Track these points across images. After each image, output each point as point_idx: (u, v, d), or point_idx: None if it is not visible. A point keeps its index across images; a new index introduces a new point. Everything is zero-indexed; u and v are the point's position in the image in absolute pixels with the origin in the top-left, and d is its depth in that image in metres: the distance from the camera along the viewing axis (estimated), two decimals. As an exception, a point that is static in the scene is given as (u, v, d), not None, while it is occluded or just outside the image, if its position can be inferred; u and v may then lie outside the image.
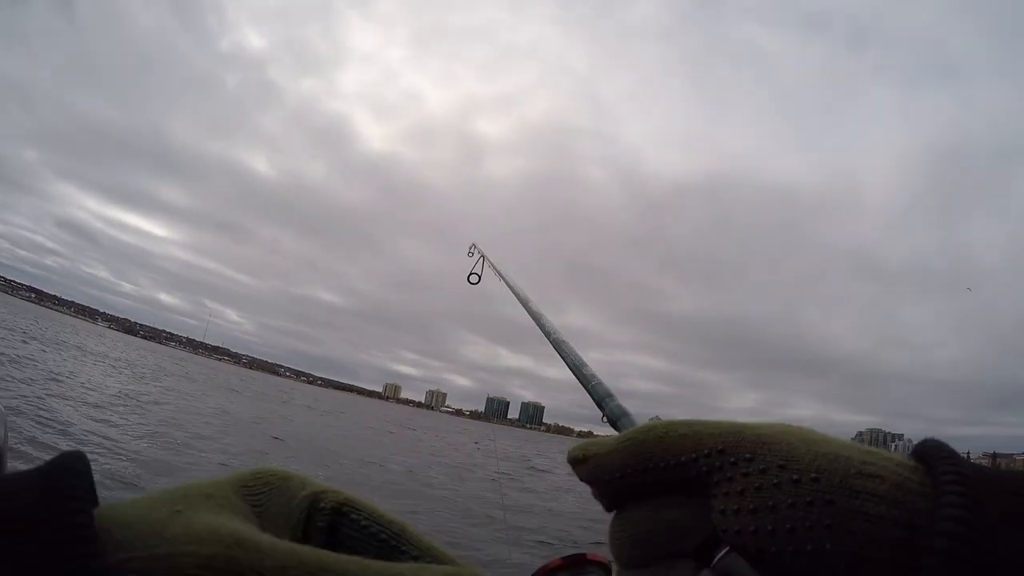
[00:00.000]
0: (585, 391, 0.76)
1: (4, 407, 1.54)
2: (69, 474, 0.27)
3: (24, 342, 23.25)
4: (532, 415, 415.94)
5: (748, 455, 0.29)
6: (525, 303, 1.14)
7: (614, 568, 0.36)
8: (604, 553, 0.48)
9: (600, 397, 0.72)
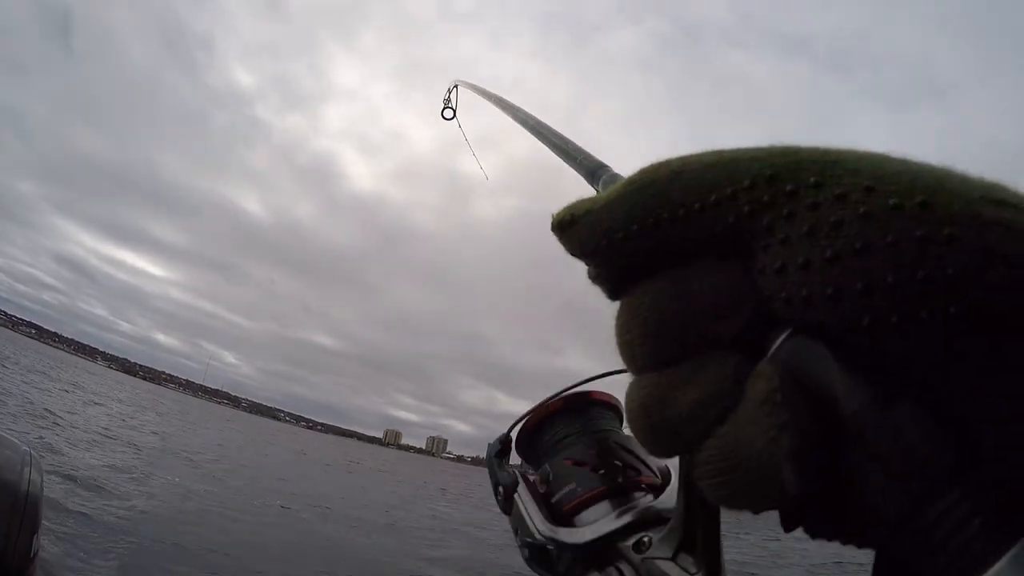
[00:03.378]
0: (573, 169, 0.60)
1: (35, 448, 1.31)
2: None
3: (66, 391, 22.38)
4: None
5: (814, 179, 0.19)
6: (500, 102, 0.95)
7: (625, 413, 0.25)
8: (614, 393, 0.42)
9: (591, 169, 0.56)
